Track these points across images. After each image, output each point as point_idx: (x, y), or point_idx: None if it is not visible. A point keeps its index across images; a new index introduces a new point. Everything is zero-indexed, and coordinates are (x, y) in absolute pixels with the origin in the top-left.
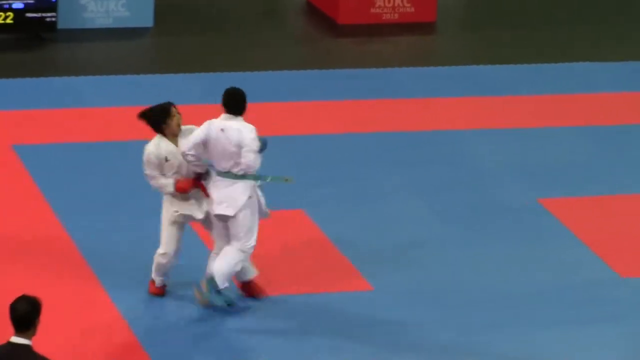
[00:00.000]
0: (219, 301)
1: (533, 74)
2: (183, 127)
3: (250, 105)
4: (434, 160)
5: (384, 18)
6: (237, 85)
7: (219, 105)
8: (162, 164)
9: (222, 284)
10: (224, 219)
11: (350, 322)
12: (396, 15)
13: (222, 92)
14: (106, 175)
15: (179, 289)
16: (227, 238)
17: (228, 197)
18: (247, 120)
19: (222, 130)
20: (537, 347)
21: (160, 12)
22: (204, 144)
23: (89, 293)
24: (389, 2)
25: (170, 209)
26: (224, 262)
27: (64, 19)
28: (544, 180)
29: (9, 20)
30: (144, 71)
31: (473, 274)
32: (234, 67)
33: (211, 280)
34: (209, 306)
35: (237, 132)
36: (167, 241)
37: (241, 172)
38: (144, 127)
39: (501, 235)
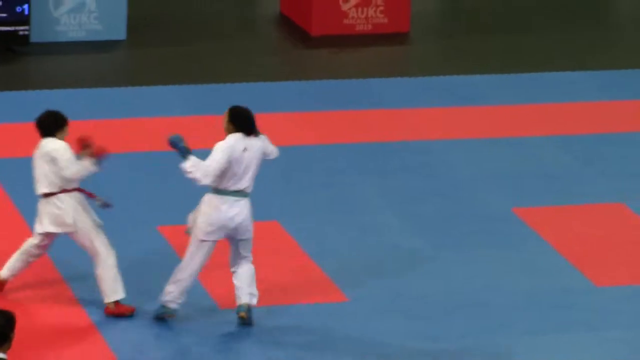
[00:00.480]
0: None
1: (507, 84)
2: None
3: (218, 118)
4: (409, 170)
5: (357, 29)
6: (210, 96)
7: (194, 117)
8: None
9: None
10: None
11: (325, 333)
12: (369, 26)
13: (197, 103)
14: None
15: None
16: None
17: (248, 217)
18: (215, 130)
19: (245, 150)
20: (513, 355)
21: (132, 25)
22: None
23: (65, 305)
24: (362, 12)
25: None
26: (253, 279)
27: (37, 32)
28: (518, 190)
29: None
30: (118, 84)
31: (448, 283)
32: (208, 78)
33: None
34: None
35: (258, 143)
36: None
37: (250, 190)
38: (117, 140)
39: (476, 244)
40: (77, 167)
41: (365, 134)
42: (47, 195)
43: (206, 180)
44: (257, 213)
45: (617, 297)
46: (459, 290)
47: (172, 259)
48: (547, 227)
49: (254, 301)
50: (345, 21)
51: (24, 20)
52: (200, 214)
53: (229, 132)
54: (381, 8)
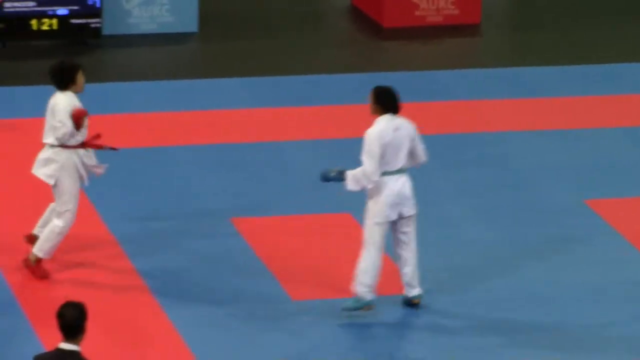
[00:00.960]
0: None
1: (578, 75)
2: None
3: (296, 110)
4: (481, 162)
5: (428, 20)
6: (282, 88)
7: (264, 109)
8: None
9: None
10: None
11: (406, 325)
12: (440, 18)
13: (268, 95)
14: (151, 180)
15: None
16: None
17: (405, 197)
18: (289, 123)
19: (395, 130)
20: (593, 344)
21: (204, 17)
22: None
23: (138, 299)
24: (433, 4)
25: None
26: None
27: (109, 25)
28: (590, 182)
29: (54, 27)
30: (190, 76)
31: (521, 274)
32: (280, 71)
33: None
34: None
35: (408, 127)
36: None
37: (407, 166)
38: (191, 133)
39: (548, 236)
40: (64, 131)
41: (437, 125)
42: (51, 145)
43: (375, 178)
44: (330, 205)
45: None
46: (531, 282)
47: (245, 252)
48: (619, 218)
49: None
50: (417, 13)
51: (96, 12)
52: (370, 200)
53: (377, 113)
54: None
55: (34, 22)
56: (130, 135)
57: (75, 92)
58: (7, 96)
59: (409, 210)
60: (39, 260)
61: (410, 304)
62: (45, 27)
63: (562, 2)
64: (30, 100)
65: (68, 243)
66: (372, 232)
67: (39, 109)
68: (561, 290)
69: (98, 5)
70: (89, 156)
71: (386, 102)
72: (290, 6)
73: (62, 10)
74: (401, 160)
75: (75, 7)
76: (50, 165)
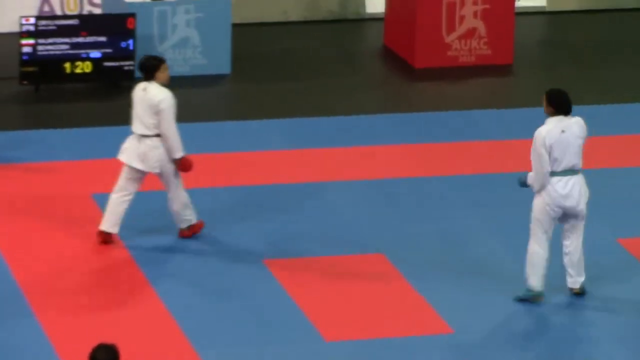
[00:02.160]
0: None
1: (610, 114)
2: None
3: (331, 150)
4: (514, 202)
5: (460, 60)
6: (316, 130)
7: (299, 150)
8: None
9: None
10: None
11: None
12: (473, 58)
13: (302, 137)
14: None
15: None
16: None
17: (572, 197)
18: (324, 164)
19: (563, 132)
20: None
21: (237, 59)
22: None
23: (170, 341)
24: (466, 44)
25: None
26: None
27: None
28: (621, 220)
29: (87, 70)
30: (223, 118)
31: (557, 316)
32: (313, 112)
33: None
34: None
35: (577, 127)
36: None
37: (580, 166)
38: (227, 174)
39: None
40: (175, 134)
41: (471, 165)
42: (142, 135)
43: (545, 181)
44: (363, 245)
45: None
46: (566, 322)
47: (278, 293)
48: None
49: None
50: (449, 53)
51: (129, 55)
52: (537, 196)
53: (549, 114)
54: (485, 40)
55: (67, 65)
56: None
57: (161, 82)
58: (41, 139)
59: (575, 208)
60: (189, 227)
61: (572, 293)
62: (78, 70)
63: (592, 42)
64: (64, 143)
65: (100, 280)
66: (534, 227)
67: (73, 152)
68: (596, 329)
69: (131, 48)
70: None
71: (557, 103)
72: (322, 47)
73: (95, 53)
74: (569, 161)
75: (109, 50)
76: (152, 156)
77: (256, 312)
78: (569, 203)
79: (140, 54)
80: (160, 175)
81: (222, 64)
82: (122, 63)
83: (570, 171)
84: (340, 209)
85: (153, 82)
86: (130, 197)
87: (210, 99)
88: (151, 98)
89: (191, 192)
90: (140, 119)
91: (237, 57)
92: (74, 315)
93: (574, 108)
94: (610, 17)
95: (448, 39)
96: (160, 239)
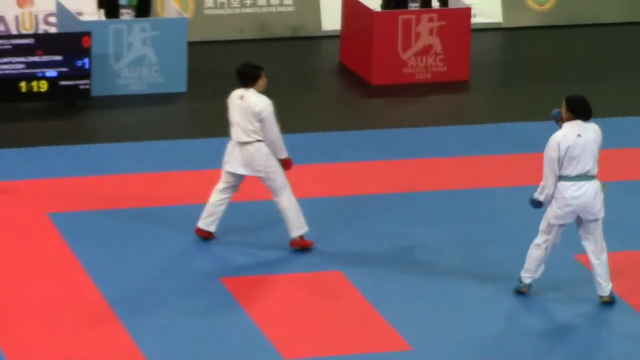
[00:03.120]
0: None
1: None
2: None
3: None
4: (473, 218)
5: (417, 77)
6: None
7: None
8: None
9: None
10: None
11: None
12: (429, 75)
13: None
14: (143, 241)
15: None
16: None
17: (586, 203)
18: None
19: (579, 136)
20: None
21: (193, 77)
22: (559, 159)
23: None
24: (422, 61)
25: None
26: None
27: (98, 86)
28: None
29: (43, 89)
30: (179, 136)
31: (514, 327)
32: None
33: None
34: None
35: (593, 133)
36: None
37: (595, 172)
38: (182, 192)
39: (543, 289)
40: (279, 137)
41: (430, 182)
42: (243, 142)
43: (550, 187)
44: (320, 263)
45: None
46: (530, 337)
47: (235, 311)
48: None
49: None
50: (405, 70)
51: (85, 74)
52: (553, 200)
53: (568, 119)
54: (441, 56)
55: (22, 84)
56: (120, 196)
57: (259, 90)
58: None
59: (590, 215)
60: (302, 237)
61: (601, 301)
62: (34, 89)
63: (548, 57)
64: (20, 162)
65: (57, 308)
66: (543, 225)
67: (29, 171)
68: (562, 344)
69: (87, 66)
70: None
71: (576, 109)
72: (279, 65)
73: (51, 72)
74: (584, 166)
75: (64, 69)
76: (255, 160)
77: (214, 330)
78: (581, 202)
79: (95, 73)
80: (264, 179)
81: (178, 82)
82: (78, 82)
83: (584, 176)
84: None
85: (251, 89)
86: (228, 200)
87: (166, 117)
88: (251, 106)
89: (147, 211)
90: (240, 126)
91: (194, 75)
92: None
93: (531, 124)
94: (566, 33)
95: (404, 56)
96: (117, 253)
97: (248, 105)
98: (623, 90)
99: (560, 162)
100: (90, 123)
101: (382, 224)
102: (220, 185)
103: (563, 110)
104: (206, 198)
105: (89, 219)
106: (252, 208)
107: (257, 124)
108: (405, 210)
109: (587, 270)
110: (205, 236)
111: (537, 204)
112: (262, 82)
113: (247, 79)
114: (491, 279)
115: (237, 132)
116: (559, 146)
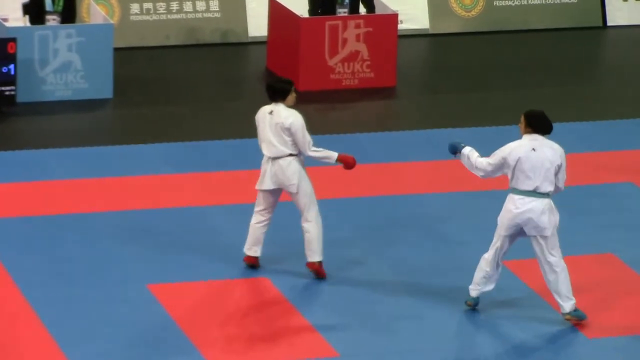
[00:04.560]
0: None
1: (493, 136)
2: None
3: (214, 175)
4: (400, 224)
5: (344, 84)
6: (198, 154)
7: (181, 175)
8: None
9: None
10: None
11: None
12: (356, 81)
13: (183, 161)
14: (69, 247)
15: None
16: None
17: (530, 219)
18: (205, 188)
19: (533, 150)
20: None
21: (119, 83)
22: (503, 165)
23: None
24: (349, 67)
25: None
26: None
27: (23, 92)
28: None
29: None
30: (105, 142)
31: (438, 339)
32: (195, 136)
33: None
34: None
35: (550, 151)
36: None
37: (547, 190)
38: (107, 199)
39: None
40: (315, 151)
41: (355, 188)
42: (274, 158)
43: (479, 173)
44: (247, 270)
45: None
46: (448, 345)
47: (162, 318)
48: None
49: (570, 305)
50: (332, 76)
51: (10, 80)
52: (502, 211)
53: (527, 133)
54: (367, 63)
55: None
56: (46, 202)
57: (288, 105)
58: None
59: (533, 231)
60: (320, 263)
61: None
62: None
63: (475, 64)
64: None
65: None
66: (494, 237)
67: None
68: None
69: (12, 72)
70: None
71: (534, 123)
72: (205, 71)
73: None
74: (533, 183)
75: None
76: (288, 172)
77: (141, 337)
78: (525, 217)
79: (21, 79)
80: (294, 195)
81: (104, 88)
82: (3, 88)
83: (533, 193)
84: (226, 232)
85: (280, 104)
86: (268, 222)
87: (92, 123)
88: (281, 121)
89: (73, 217)
90: (272, 142)
91: (119, 81)
92: None
93: (458, 131)
94: (493, 39)
95: (331, 62)
96: (42, 260)
97: (279, 121)
98: (551, 97)
99: (511, 172)
100: (15, 129)
101: None
102: (258, 207)
103: (522, 125)
104: (132, 205)
105: (13, 225)
106: (174, 213)
107: (289, 139)
108: (331, 216)
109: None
110: (253, 263)
111: (455, 150)
112: (291, 97)
113: (277, 94)
114: (422, 290)
115: (268, 148)
116: (510, 153)
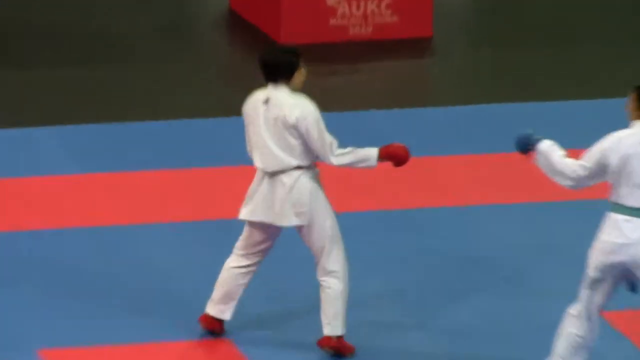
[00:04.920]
0: None
1: (584, 116)
2: None
3: (137, 176)
4: (434, 257)
5: (351, 33)
6: (126, 144)
7: (92, 175)
8: None
9: None
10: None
11: None
12: (370, 29)
13: (98, 154)
14: None
15: None
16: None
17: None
18: (132, 198)
19: None
20: None
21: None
22: (602, 167)
23: None
24: (358, 8)
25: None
26: None
27: None
28: None
29: None
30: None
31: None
32: (124, 114)
33: None
34: None
35: None
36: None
37: None
38: None
39: None
40: (346, 156)
41: (367, 198)
42: (273, 173)
43: (564, 182)
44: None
45: None
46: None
47: None
48: None
49: None
50: (333, 22)
51: None
52: (596, 240)
53: (636, 118)
54: (388, 1)
55: None
56: None
57: (294, 88)
58: None
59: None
60: (341, 337)
61: None
62: None
63: (551, 6)
64: None
65: None
66: (582, 281)
67: None
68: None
69: None
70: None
71: None
72: (142, 17)
73: None
74: None
75: None
76: (299, 199)
77: None
78: (632, 254)
79: None
80: (308, 229)
81: None
82: None
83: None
84: (165, 267)
85: (282, 86)
86: (253, 269)
87: None
88: (283, 115)
89: None
90: (267, 146)
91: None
92: None
93: (523, 108)
94: None
95: (331, 1)
96: None
97: (279, 115)
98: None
99: (615, 178)
100: None
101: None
102: (242, 248)
103: (631, 106)
104: (15, 221)
105: None
106: (96, 238)
107: (296, 142)
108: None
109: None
110: (216, 328)
111: (526, 146)
112: (300, 75)
113: (277, 72)
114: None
115: (264, 158)
116: (612, 149)
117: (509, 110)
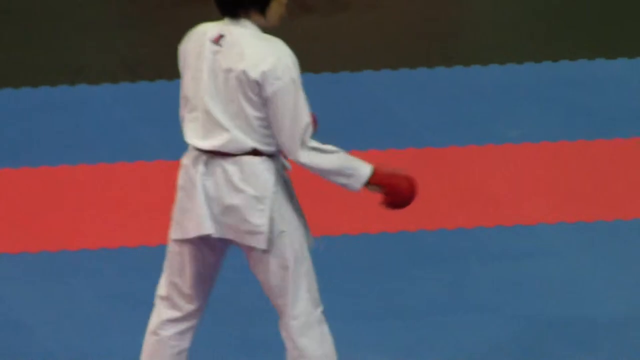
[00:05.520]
0: None
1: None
2: None
3: (53, 171)
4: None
5: None
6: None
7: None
8: None
9: None
10: None
11: None
12: None
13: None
14: None
15: None
16: None
17: None
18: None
19: None
20: None
21: None
22: None
23: None
24: None
25: None
26: None
27: None
28: None
29: None
30: None
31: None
32: (38, 79)
33: None
34: None
35: None
36: None
37: None
38: None
39: None
40: (318, 157)
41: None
42: (216, 154)
43: None
44: None
45: None
46: None
47: None
48: None
49: None
50: None
51: None
52: None
53: None
54: None
55: None
56: None
57: (266, 25)
58: None
59: None
60: None
61: None
62: None
63: None
64: None
65: None
66: None
67: None
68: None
69: None
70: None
71: None
72: None
73: None
74: None
75: None
76: (256, 205)
77: None
78: None
79: None
80: (262, 256)
81: None
82: None
83: None
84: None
85: (245, 21)
86: (191, 328)
87: None
88: (243, 67)
89: None
90: (208, 111)
91: None
92: None
93: (603, 65)
94: None
95: None
96: None
97: (236, 65)
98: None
99: None
100: None
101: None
102: (165, 288)
103: None
104: None
105: None
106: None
107: (256, 112)
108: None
109: None
110: None
111: None
112: (278, 5)
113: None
114: None
115: (203, 129)
116: None
117: (579, 70)
